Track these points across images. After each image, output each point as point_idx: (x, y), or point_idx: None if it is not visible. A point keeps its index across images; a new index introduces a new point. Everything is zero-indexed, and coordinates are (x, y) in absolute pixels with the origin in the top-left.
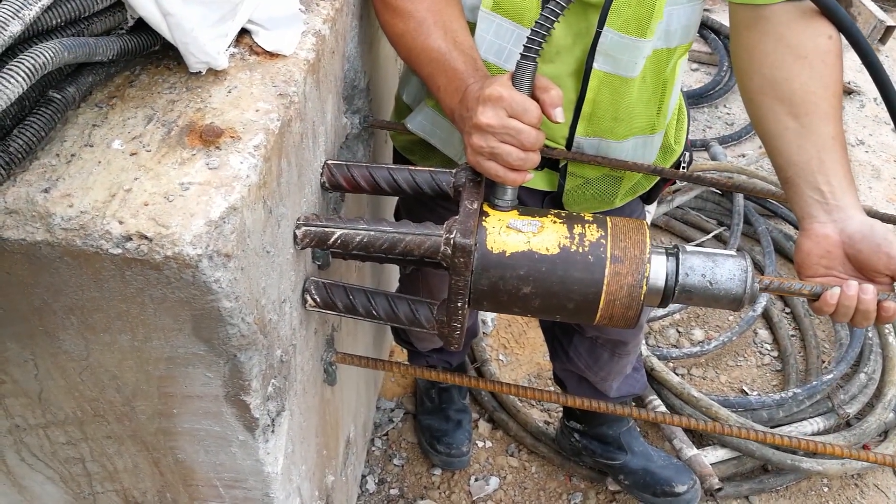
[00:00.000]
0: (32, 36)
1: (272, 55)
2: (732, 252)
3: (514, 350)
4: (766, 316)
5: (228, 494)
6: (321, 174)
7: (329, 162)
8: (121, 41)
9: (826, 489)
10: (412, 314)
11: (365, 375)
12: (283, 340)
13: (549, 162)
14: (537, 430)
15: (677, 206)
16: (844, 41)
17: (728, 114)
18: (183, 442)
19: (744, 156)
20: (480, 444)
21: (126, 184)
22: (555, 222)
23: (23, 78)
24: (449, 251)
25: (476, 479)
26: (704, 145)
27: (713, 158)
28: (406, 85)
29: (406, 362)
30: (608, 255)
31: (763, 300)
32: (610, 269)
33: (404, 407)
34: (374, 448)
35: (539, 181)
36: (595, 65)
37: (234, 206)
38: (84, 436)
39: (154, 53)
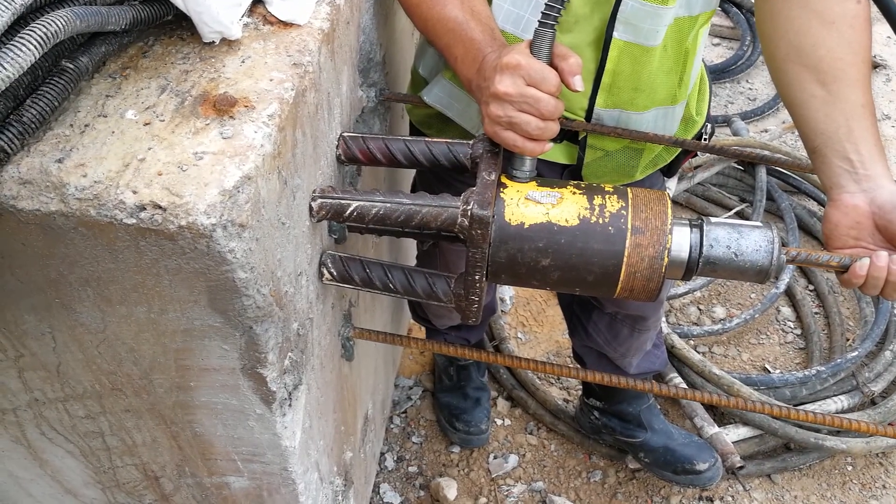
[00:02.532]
0: (44, 4)
1: (286, 25)
2: (758, 223)
3: (532, 328)
4: (790, 293)
5: (247, 468)
6: (337, 146)
7: (345, 134)
8: (133, 10)
9: (850, 468)
10: (429, 287)
11: (383, 353)
12: (300, 314)
13: (568, 135)
14: (556, 408)
15: (698, 183)
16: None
17: (750, 89)
18: (201, 415)
19: (766, 131)
20: (499, 422)
21: (140, 153)
22: (574, 193)
23: (35, 46)
24: (466, 223)
25: (495, 457)
26: (726, 121)
27: (735, 134)
28: (422, 57)
29: (423, 339)
30: (629, 227)
31: (786, 277)
32: (631, 241)
33: (423, 385)
34: (392, 426)
35: (558, 154)
36: (615, 34)
37: (249, 176)
38: (102, 409)
39: (167, 23)
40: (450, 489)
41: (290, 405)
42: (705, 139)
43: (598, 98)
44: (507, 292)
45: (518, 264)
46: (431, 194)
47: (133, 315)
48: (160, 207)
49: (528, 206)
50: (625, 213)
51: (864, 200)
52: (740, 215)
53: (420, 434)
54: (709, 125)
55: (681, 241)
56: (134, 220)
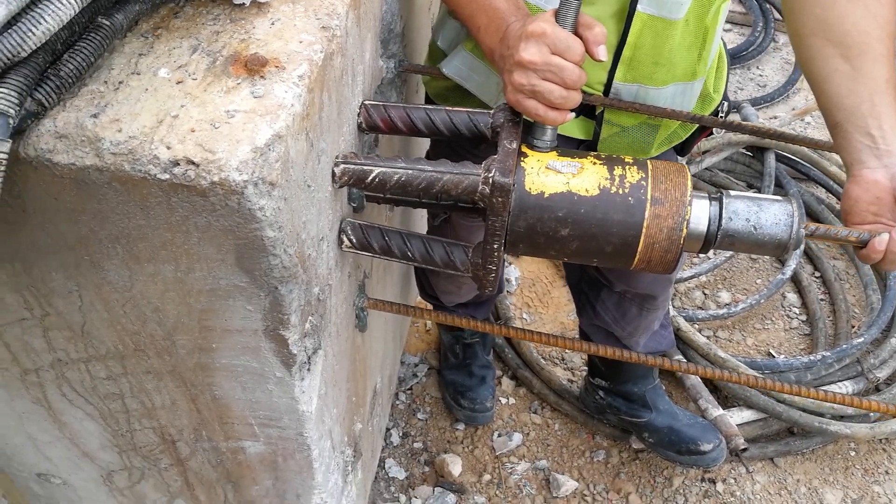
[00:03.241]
0: None
1: None
2: (778, 197)
3: (537, 309)
4: (795, 280)
5: (263, 433)
6: (358, 114)
7: (367, 102)
8: None
9: (853, 453)
10: (447, 256)
11: (392, 329)
12: (321, 278)
13: (585, 109)
14: (560, 388)
15: (706, 168)
16: None
17: (761, 75)
18: (220, 378)
19: (776, 118)
20: (504, 400)
21: (173, 111)
22: (595, 164)
23: (75, 1)
24: (487, 190)
25: (499, 435)
26: (736, 107)
27: (745, 120)
28: (441, 30)
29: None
30: (648, 198)
31: (792, 263)
32: (650, 212)
33: (428, 362)
34: (398, 402)
35: (574, 129)
36: (639, 6)
37: (280, 134)
38: (124, 370)
39: None
40: (454, 465)
41: (308, 369)
42: (722, 117)
43: (618, 72)
44: (512, 273)
45: (537, 234)
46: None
47: (160, 273)
48: (193, 163)
49: (548, 175)
50: (644, 184)
51: (885, 176)
52: None
53: (425, 411)
54: (725, 103)
55: (700, 213)
56: (167, 176)
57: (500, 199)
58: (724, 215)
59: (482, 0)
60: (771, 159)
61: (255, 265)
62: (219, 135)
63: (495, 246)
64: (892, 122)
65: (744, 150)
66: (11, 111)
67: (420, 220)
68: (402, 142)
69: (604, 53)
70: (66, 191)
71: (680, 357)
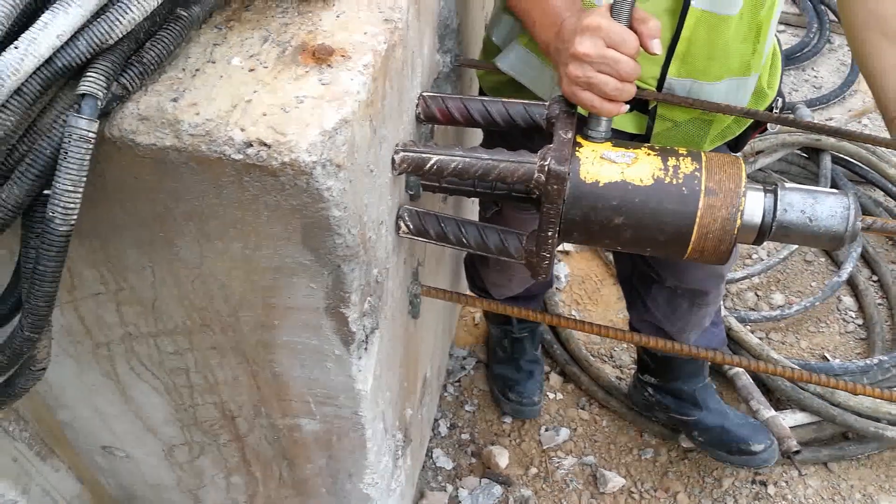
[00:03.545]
0: None
1: None
2: (834, 190)
3: (587, 306)
4: (852, 283)
5: (319, 411)
6: (416, 105)
7: (424, 94)
8: None
9: None
10: (501, 244)
11: (442, 321)
12: (379, 261)
13: (639, 104)
14: (609, 385)
15: (759, 169)
16: None
17: (815, 77)
18: (281, 355)
19: (832, 119)
20: (551, 395)
21: (246, 96)
22: (649, 154)
23: None
24: (543, 178)
25: (546, 430)
26: (791, 108)
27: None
28: (496, 26)
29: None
30: (702, 188)
31: (849, 266)
32: (704, 202)
33: (476, 356)
34: (446, 394)
35: (628, 124)
36: (693, 2)
37: (346, 119)
38: (190, 346)
39: None
40: (501, 457)
41: (365, 349)
42: (776, 114)
43: (671, 67)
44: (562, 270)
45: (591, 222)
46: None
47: (228, 251)
48: (265, 144)
49: (603, 164)
50: (698, 174)
51: None
52: None
53: (473, 403)
54: (780, 99)
55: (754, 204)
56: (241, 156)
57: (555, 187)
58: (778, 207)
59: None
60: (827, 161)
61: (320, 243)
62: (289, 119)
63: (549, 233)
64: None
65: (799, 152)
66: (100, 94)
67: (472, 212)
68: (456, 135)
69: (658, 47)
70: (146, 170)
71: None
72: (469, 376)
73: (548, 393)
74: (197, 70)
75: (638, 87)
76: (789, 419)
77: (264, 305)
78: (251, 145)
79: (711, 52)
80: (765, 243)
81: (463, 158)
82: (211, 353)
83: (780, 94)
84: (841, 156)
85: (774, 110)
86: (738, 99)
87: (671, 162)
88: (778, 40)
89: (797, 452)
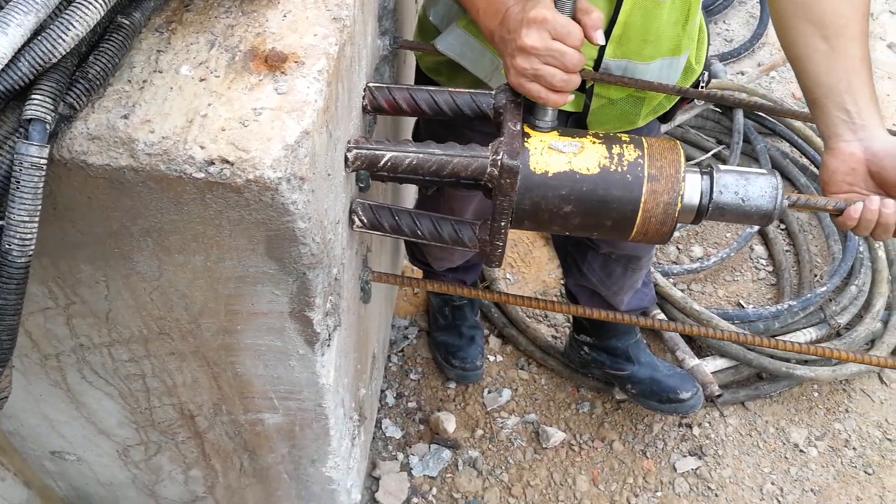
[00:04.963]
0: None
1: None
2: (763, 170)
3: (520, 269)
4: (762, 232)
5: (282, 405)
6: (363, 97)
7: (371, 85)
8: None
9: (816, 394)
10: (455, 234)
11: (384, 295)
12: (337, 259)
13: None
14: (546, 345)
15: (678, 125)
16: None
17: (727, 30)
18: (244, 357)
19: (743, 73)
20: (492, 358)
21: (201, 109)
22: (594, 143)
23: (101, 4)
24: (496, 172)
25: (489, 392)
26: (705, 65)
27: (713, 76)
28: (434, 6)
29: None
30: (645, 175)
31: None
32: (647, 188)
33: (418, 325)
34: (391, 364)
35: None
36: None
37: (307, 131)
38: (147, 353)
39: None
40: (449, 422)
41: (328, 345)
42: (703, 86)
43: (608, 49)
44: None
45: (541, 211)
46: (441, 142)
47: (190, 263)
48: (228, 162)
49: (551, 155)
50: (641, 161)
51: (860, 148)
52: (717, 157)
53: (417, 371)
54: (706, 73)
55: (693, 187)
56: (203, 175)
57: (508, 181)
58: (714, 189)
59: None
60: (740, 116)
61: (285, 254)
62: (249, 133)
63: (503, 223)
64: (866, 99)
65: (714, 107)
66: (48, 117)
67: (408, 189)
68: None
69: (601, 38)
70: (99, 190)
71: (657, 311)
72: (412, 345)
73: (488, 356)
74: (144, 81)
75: None
76: (711, 365)
77: (227, 312)
78: (213, 163)
79: (646, 35)
80: None
81: (416, 154)
82: (169, 358)
83: (706, 67)
84: (752, 112)
85: (702, 83)
86: (670, 77)
87: (615, 150)
88: (703, 14)
89: (719, 396)
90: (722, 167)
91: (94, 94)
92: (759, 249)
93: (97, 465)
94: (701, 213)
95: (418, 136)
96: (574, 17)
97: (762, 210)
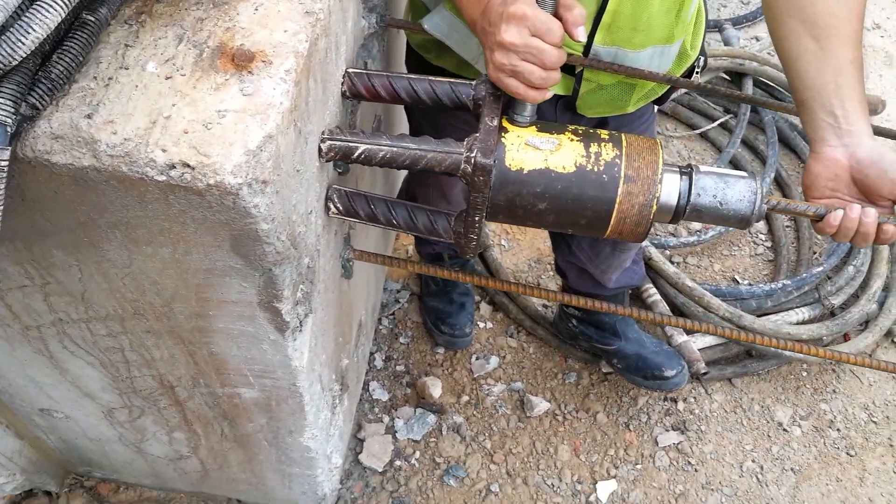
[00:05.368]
0: None
1: None
2: (744, 173)
3: (515, 236)
4: None
5: (258, 382)
6: (342, 83)
7: (350, 71)
8: None
9: (805, 374)
10: (430, 224)
11: None
12: (310, 248)
13: (566, 67)
14: (536, 314)
15: (685, 92)
16: None
17: None
18: (217, 338)
19: (758, 39)
20: (482, 324)
21: (165, 110)
22: (572, 140)
23: (61, 5)
24: (469, 169)
25: (477, 358)
26: (717, 26)
27: (726, 43)
28: None
29: (417, 261)
30: (622, 175)
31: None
32: (623, 189)
33: (410, 288)
34: (381, 327)
35: (555, 86)
36: None
37: (270, 135)
38: (124, 330)
39: None
40: (435, 387)
41: (300, 331)
42: (697, 72)
43: (597, 35)
44: None
45: (516, 207)
46: (429, 121)
47: (158, 255)
48: (189, 166)
49: (527, 151)
50: (618, 161)
51: (845, 154)
52: (724, 126)
53: (407, 335)
54: (702, 58)
55: (670, 188)
56: (164, 178)
57: (481, 178)
58: (692, 191)
59: None
60: (749, 85)
61: (250, 251)
62: (212, 136)
63: (477, 218)
64: (853, 103)
65: (723, 75)
66: (8, 120)
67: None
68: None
69: (583, 35)
70: (64, 186)
71: (650, 286)
72: (403, 309)
73: (478, 322)
74: (110, 79)
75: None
76: (699, 342)
77: (198, 299)
78: (174, 167)
79: (636, 24)
80: None
81: (390, 148)
82: (146, 335)
83: (702, 52)
84: (762, 80)
85: (696, 69)
86: (661, 65)
87: (593, 148)
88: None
89: (705, 374)
90: (702, 168)
91: (57, 92)
92: (759, 224)
93: (84, 423)
94: (678, 214)
95: (410, 114)
96: (556, 13)
97: (740, 214)
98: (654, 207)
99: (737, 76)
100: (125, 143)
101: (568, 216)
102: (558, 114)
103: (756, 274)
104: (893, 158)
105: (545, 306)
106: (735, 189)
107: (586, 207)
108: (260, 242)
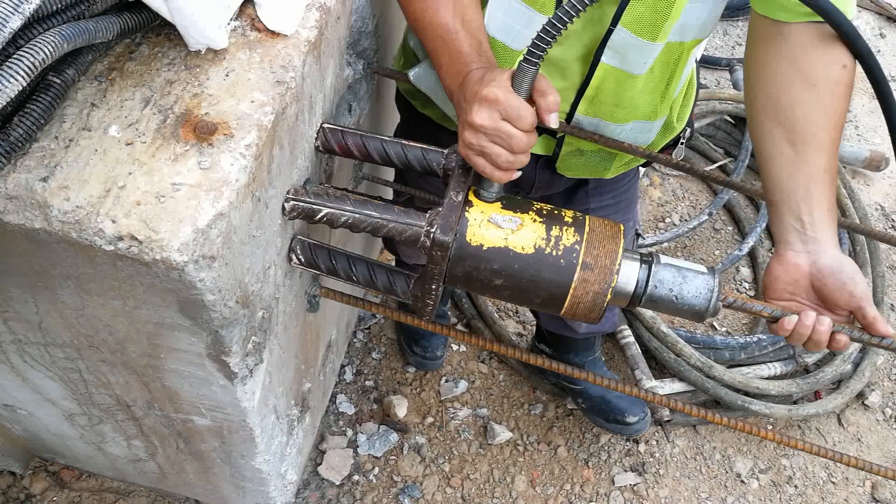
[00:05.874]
0: (33, 22)
1: (274, 34)
2: (703, 269)
3: None
4: (752, 254)
5: (210, 414)
6: (316, 138)
7: (325, 126)
8: (121, 20)
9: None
10: (389, 284)
11: None
12: (265, 300)
13: (548, 129)
14: (509, 343)
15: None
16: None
17: None
18: (169, 375)
19: None
20: (455, 346)
21: (120, 179)
22: (535, 221)
23: (23, 75)
24: (428, 244)
25: (446, 381)
26: (729, 66)
27: (735, 84)
28: (412, 34)
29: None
30: (579, 262)
31: (751, 241)
32: (579, 276)
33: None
34: (355, 340)
35: (536, 146)
36: (603, 58)
37: (222, 213)
38: (80, 356)
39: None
40: (400, 407)
41: (250, 377)
42: (682, 142)
43: (580, 106)
44: None
45: (473, 279)
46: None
47: (109, 305)
48: (137, 240)
49: (489, 228)
50: (578, 247)
51: (807, 261)
52: (722, 169)
53: (380, 351)
54: (688, 129)
55: (628, 276)
56: (112, 248)
57: (438, 254)
58: (650, 282)
59: (447, 38)
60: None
61: (197, 315)
62: (163, 211)
63: (433, 286)
64: (821, 211)
65: (727, 118)
66: None
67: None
68: (373, 118)
69: (555, 122)
70: (18, 240)
71: (625, 327)
72: (379, 324)
73: (451, 345)
74: (71, 140)
75: None
76: (668, 388)
77: (149, 343)
78: (122, 239)
79: (618, 101)
80: (678, 207)
81: (353, 214)
82: (101, 363)
83: (689, 123)
84: None
85: (682, 140)
86: (644, 138)
87: (554, 232)
88: (696, 66)
89: (668, 421)
90: (663, 259)
91: (16, 153)
92: (746, 272)
93: (47, 421)
94: (634, 301)
95: (399, 129)
96: (530, 98)
97: (694, 309)
98: (609, 296)
99: (741, 120)
100: (76, 210)
101: (523, 294)
102: (538, 172)
103: (735, 322)
104: (853, 271)
105: (520, 335)
106: (692, 285)
107: (541, 289)
108: (206, 310)
